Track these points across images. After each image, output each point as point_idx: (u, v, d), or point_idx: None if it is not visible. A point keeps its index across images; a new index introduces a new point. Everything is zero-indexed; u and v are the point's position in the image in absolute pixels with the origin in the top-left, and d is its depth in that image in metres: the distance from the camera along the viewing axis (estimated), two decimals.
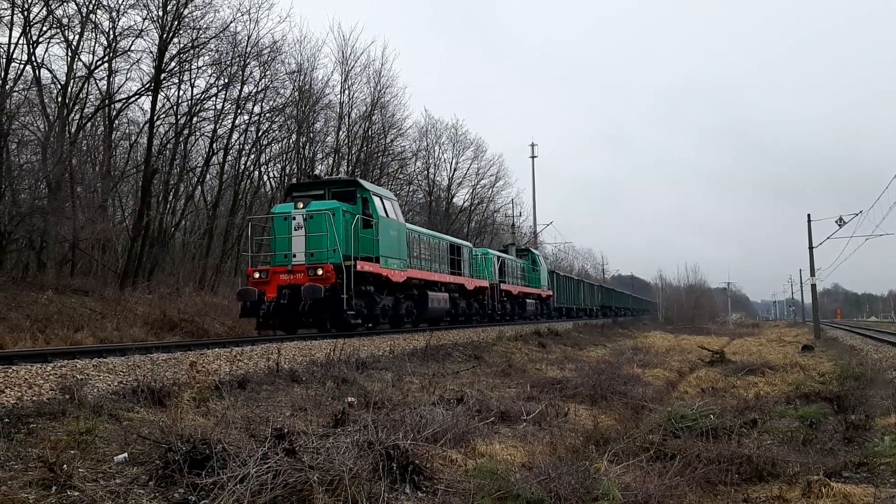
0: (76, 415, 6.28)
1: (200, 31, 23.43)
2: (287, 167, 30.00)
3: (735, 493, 6.38)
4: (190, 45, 23.38)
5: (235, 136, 26.71)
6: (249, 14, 29.63)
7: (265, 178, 30.33)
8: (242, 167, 27.81)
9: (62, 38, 20.99)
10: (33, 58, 20.15)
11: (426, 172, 41.79)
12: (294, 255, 14.79)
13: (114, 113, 23.61)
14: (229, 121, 26.04)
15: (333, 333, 14.60)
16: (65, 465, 4.84)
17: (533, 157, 53.13)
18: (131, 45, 22.56)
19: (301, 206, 14.95)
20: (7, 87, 19.03)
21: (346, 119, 32.42)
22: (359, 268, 14.55)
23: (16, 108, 19.54)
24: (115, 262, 23.91)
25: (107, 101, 23.01)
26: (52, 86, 21.56)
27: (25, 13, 19.47)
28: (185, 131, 24.75)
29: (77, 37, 21.15)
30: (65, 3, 20.38)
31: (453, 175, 43.87)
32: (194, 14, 23.02)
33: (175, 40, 22.87)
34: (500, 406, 9.34)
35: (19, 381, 7.13)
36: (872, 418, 8.95)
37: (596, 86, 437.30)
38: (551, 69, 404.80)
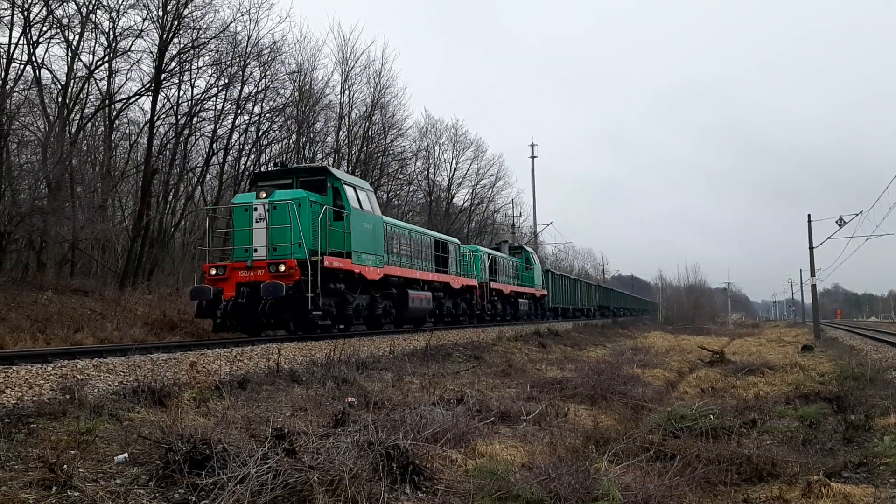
0: (76, 415, 6.28)
1: (200, 32, 23.45)
2: None
3: (735, 493, 6.39)
4: (190, 45, 23.39)
5: (235, 136, 26.74)
6: (249, 14, 29.60)
7: None
8: (242, 167, 27.79)
9: (62, 39, 21.01)
10: (33, 58, 20.19)
11: (426, 172, 41.84)
12: (255, 250, 13.58)
13: (114, 113, 23.62)
14: (229, 121, 26.06)
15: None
16: (65, 466, 4.84)
17: (533, 157, 53.16)
18: (131, 45, 22.59)
19: (263, 195, 13.70)
20: (7, 87, 19.04)
21: (346, 119, 32.46)
22: (326, 263, 13.37)
23: (16, 109, 19.55)
24: (115, 262, 23.92)
25: (107, 102, 23.01)
26: (53, 86, 21.61)
27: (25, 13, 19.48)
28: (186, 131, 24.74)
29: (77, 37, 21.19)
30: (65, 3, 20.40)
31: (453, 175, 43.93)
32: (194, 14, 23.04)
33: (175, 40, 22.88)
34: (500, 406, 9.34)
35: (20, 382, 7.13)
36: (872, 418, 8.94)
37: (596, 85, 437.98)
38: (551, 69, 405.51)
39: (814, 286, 37.63)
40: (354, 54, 32.26)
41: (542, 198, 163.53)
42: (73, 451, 5.32)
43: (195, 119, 25.01)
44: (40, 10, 19.82)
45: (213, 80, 24.88)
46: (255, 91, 26.39)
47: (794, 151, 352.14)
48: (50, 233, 18.77)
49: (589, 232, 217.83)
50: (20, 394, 6.86)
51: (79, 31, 21.06)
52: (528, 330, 25.44)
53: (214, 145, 25.88)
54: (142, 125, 24.85)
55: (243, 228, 13.85)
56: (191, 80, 24.48)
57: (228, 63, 25.08)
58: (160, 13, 22.28)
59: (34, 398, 6.82)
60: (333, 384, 9.83)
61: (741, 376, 15.40)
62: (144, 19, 22.20)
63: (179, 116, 24.47)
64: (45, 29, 20.21)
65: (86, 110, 22.94)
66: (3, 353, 8.90)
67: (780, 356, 20.91)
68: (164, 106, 23.97)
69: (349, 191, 14.95)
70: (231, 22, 24.71)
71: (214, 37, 23.96)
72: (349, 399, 8.73)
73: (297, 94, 28.52)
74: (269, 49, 26.25)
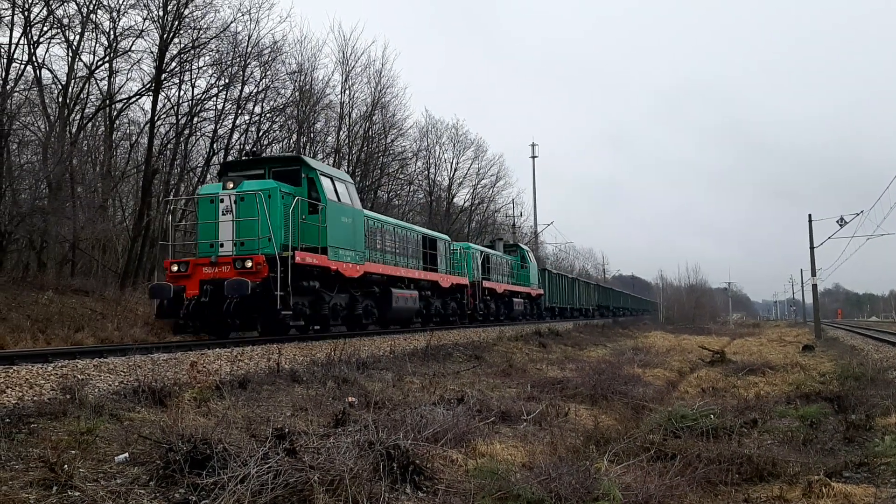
0: (77, 415, 6.28)
1: (201, 32, 23.47)
2: None
3: (735, 493, 6.38)
4: (190, 45, 23.40)
5: (236, 136, 26.72)
6: (250, 14, 29.55)
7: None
8: None
9: (63, 39, 21.04)
10: (34, 58, 20.21)
11: (427, 172, 41.85)
12: (221, 245, 12.63)
13: (114, 113, 23.64)
14: (230, 121, 26.05)
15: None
16: (66, 465, 4.84)
17: (533, 157, 53.26)
18: (132, 45, 22.62)
19: (230, 185, 12.69)
20: (8, 87, 19.05)
21: (347, 119, 32.46)
22: (298, 259, 12.52)
23: (17, 109, 19.57)
24: (116, 262, 23.95)
25: (107, 102, 23.03)
26: (53, 86, 21.64)
27: (26, 13, 19.49)
28: (186, 131, 24.74)
29: (77, 37, 21.21)
30: (65, 3, 20.42)
31: (454, 175, 43.94)
32: (195, 14, 23.06)
33: (175, 40, 22.91)
34: (500, 406, 9.34)
35: (20, 381, 7.14)
36: (873, 418, 8.93)
37: (596, 85, 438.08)
38: (552, 69, 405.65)
39: (814, 286, 37.61)
40: (355, 54, 32.32)
41: (542, 198, 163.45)
42: (73, 451, 5.32)
43: (196, 119, 25.03)
44: (41, 10, 19.88)
45: (213, 80, 24.93)
46: (255, 91, 26.41)
47: (795, 151, 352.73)
48: (50, 233, 18.78)
49: (590, 232, 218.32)
50: (21, 393, 6.87)
51: (79, 31, 21.12)
52: (529, 330, 25.44)
53: (215, 145, 25.89)
54: (142, 125, 24.92)
55: (208, 221, 12.85)
56: (191, 80, 24.54)
57: (229, 63, 25.11)
58: (160, 13, 22.33)
59: (35, 398, 6.83)
60: (334, 384, 9.83)
61: (742, 376, 15.39)
62: (145, 19, 22.26)
63: (180, 116, 24.49)
64: (45, 29, 20.25)
65: (86, 110, 22.97)
66: (3, 353, 8.91)
67: (780, 356, 20.90)
68: (164, 106, 24.03)
69: (325, 182, 14.01)
70: (231, 22, 24.76)
71: (215, 37, 24.01)
72: (350, 399, 8.73)
73: (297, 94, 28.52)
74: (269, 49, 26.28)
